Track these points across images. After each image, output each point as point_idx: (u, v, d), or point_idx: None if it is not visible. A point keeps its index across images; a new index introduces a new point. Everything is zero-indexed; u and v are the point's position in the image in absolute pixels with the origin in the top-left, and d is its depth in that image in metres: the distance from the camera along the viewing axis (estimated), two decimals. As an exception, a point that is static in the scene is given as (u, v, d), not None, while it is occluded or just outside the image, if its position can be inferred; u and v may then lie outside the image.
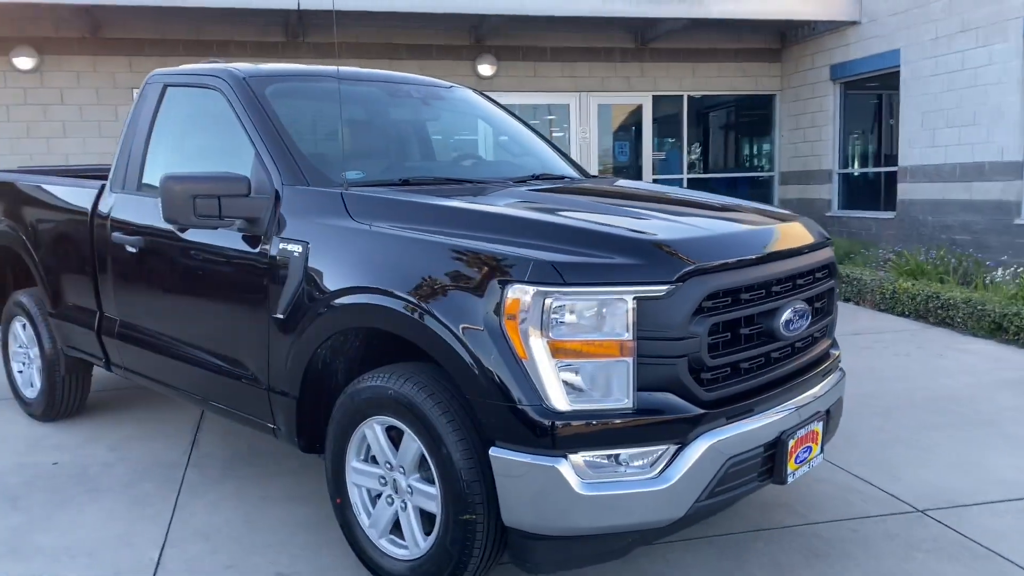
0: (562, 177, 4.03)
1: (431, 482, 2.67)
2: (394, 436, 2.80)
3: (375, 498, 2.93)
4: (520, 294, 2.39)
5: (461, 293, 2.50)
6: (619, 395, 2.42)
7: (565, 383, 2.40)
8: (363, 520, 2.93)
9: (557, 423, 2.38)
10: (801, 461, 2.84)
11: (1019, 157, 9.14)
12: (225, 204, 3.09)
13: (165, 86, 3.89)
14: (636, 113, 13.20)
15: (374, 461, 2.89)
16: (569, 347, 2.40)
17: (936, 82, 10.18)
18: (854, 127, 12.41)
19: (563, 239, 2.54)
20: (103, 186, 4.09)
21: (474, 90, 4.75)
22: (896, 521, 3.39)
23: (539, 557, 2.54)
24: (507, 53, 12.44)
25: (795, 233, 3.05)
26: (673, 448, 2.48)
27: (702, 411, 2.49)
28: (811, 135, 12.88)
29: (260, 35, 11.69)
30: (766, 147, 14.07)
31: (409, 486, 2.75)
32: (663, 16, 11.34)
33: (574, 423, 2.39)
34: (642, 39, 12.83)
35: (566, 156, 4.47)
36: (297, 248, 2.99)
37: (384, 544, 2.87)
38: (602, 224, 2.69)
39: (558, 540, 2.50)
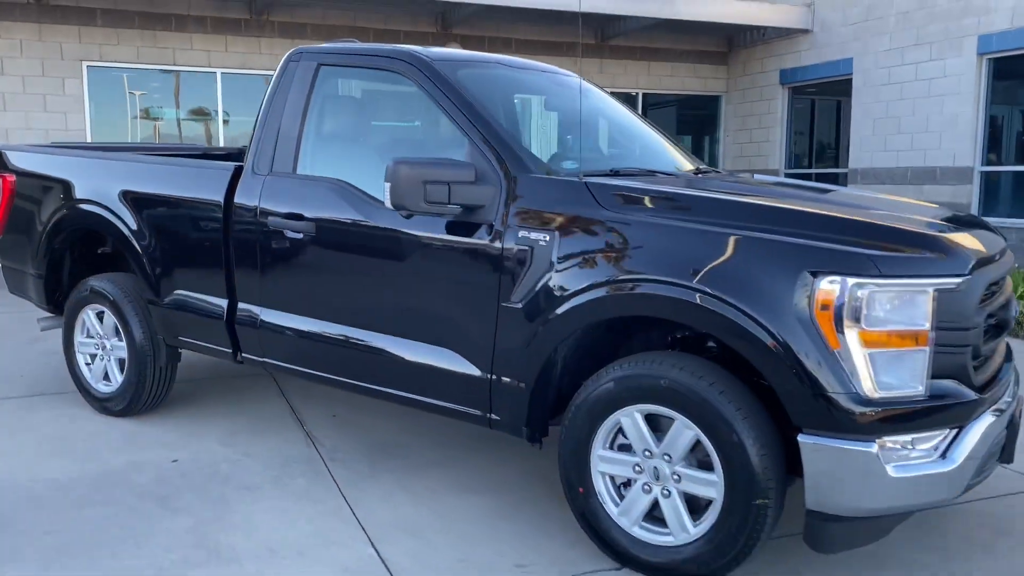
0: (706, 170, 4.13)
1: (706, 468, 2.73)
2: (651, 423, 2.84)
3: (621, 486, 2.95)
4: (835, 285, 2.48)
5: (764, 284, 2.57)
6: (916, 383, 2.56)
7: (872, 371, 2.52)
8: (610, 509, 2.94)
9: (868, 410, 2.50)
10: (1017, 441, 3.08)
11: (970, 163, 9.95)
12: (454, 191, 3.03)
13: (319, 65, 3.72)
14: (594, 108, 13.42)
15: (624, 449, 2.92)
16: (877, 337, 2.52)
17: (889, 90, 10.92)
18: (802, 129, 13.11)
19: (852, 233, 2.65)
20: (237, 169, 3.88)
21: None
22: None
23: (833, 538, 2.65)
24: (474, 43, 12.37)
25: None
26: (953, 432, 2.65)
27: (978, 396, 2.67)
28: (758, 136, 13.51)
29: (220, 10, 11.16)
30: (712, 146, 14.64)
31: (676, 473, 2.80)
32: (635, 14, 11.60)
33: (880, 409, 2.52)
34: (602, 35, 13.07)
35: (681, 148, 4.57)
36: (543, 236, 2.97)
37: (638, 532, 2.90)
38: (888, 219, 2.81)
39: (851, 521, 2.62)
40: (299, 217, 3.58)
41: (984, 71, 9.85)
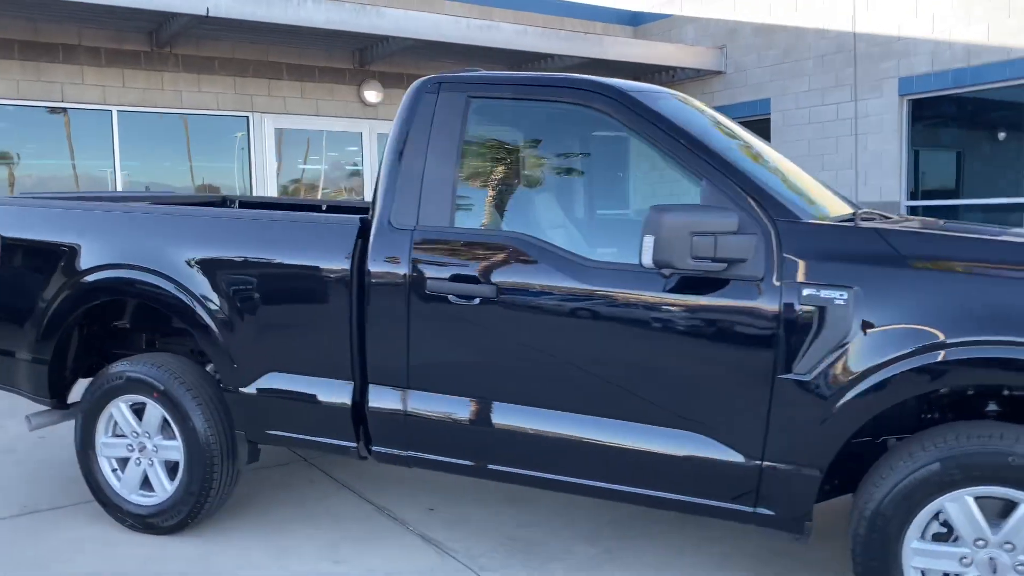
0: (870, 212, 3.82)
1: (1064, 558, 2.37)
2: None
3: (943, 582, 2.52)
4: None
5: None
6: None
7: None
8: (930, 614, 2.51)
9: None
10: None
11: (897, 198, 10.43)
12: (720, 243, 2.54)
13: (468, 97, 3.11)
14: (514, 148, 13.11)
15: (939, 539, 2.50)
16: None
17: (811, 129, 11.33)
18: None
19: None
20: (363, 222, 3.17)
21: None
22: None
23: None
24: (392, 80, 11.76)
25: None
26: None
27: None
28: (669, 175, 13.63)
29: (116, 40, 9.92)
30: (622, 183, 14.66)
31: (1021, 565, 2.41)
32: (568, 53, 11.42)
33: None
34: (519, 74, 12.81)
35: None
36: (838, 294, 2.52)
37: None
38: None
39: None
40: (473, 280, 2.93)
41: (905, 111, 10.39)
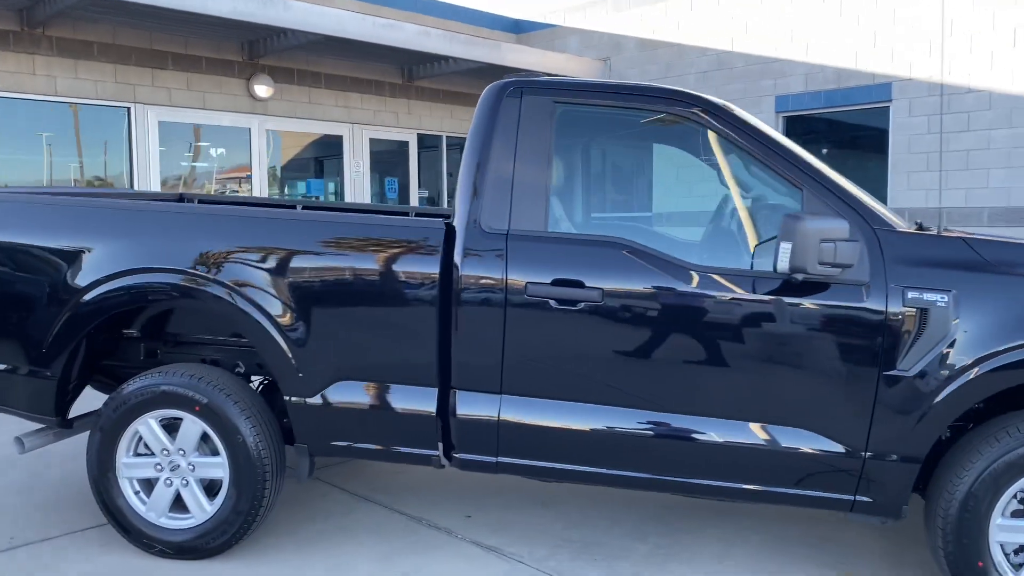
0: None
1: None
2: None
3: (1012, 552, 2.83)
4: None
5: None
6: None
7: None
8: (1010, 579, 2.81)
9: None
10: None
11: (774, 207, 11.28)
12: (839, 249, 2.72)
13: (555, 102, 3.12)
14: (404, 150, 12.96)
15: (1017, 515, 2.81)
16: None
17: (692, 141, 12.00)
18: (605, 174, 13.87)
19: None
20: (448, 226, 3.10)
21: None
22: None
23: None
24: (282, 75, 11.31)
25: None
26: None
27: None
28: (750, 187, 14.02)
29: (-21, 18, 8.91)
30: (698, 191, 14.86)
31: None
32: (465, 57, 11.45)
33: None
34: (409, 75, 12.70)
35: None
36: (939, 297, 2.76)
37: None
38: None
39: None
40: (577, 284, 2.95)
41: (781, 127, 11.25)
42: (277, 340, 3.15)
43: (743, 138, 3.00)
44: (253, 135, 11.10)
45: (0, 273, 3.36)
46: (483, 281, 3.02)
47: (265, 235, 3.18)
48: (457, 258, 3.05)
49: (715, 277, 2.90)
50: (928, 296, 2.77)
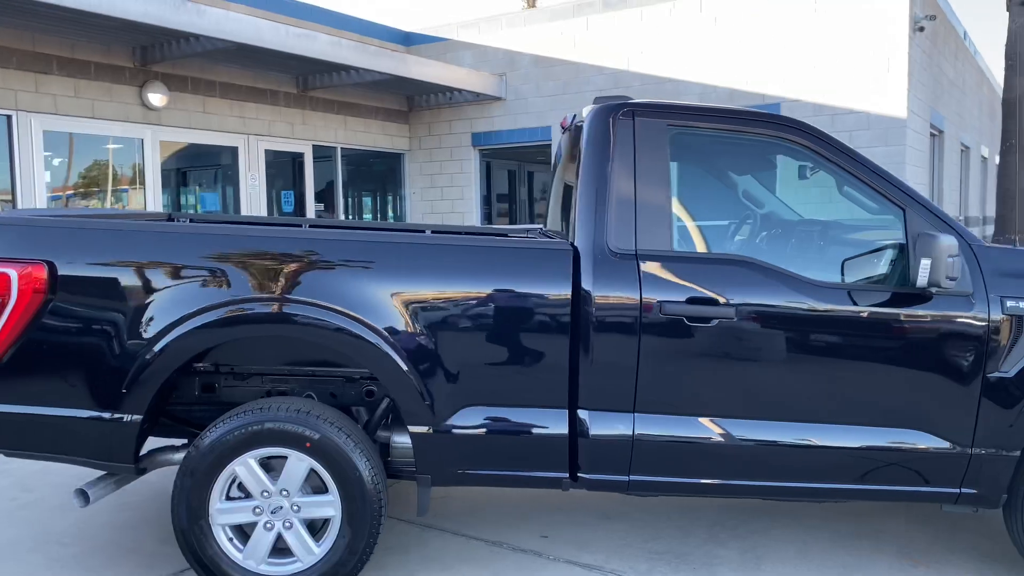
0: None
1: None
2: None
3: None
4: None
5: None
6: None
7: None
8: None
9: None
10: None
11: (673, 219, 11.84)
12: (955, 263, 2.98)
13: (668, 125, 3.20)
14: (299, 162, 12.50)
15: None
16: None
17: (591, 156, 12.38)
18: (500, 189, 13.98)
19: None
20: (573, 250, 3.10)
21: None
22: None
23: None
24: (177, 83, 10.62)
25: None
26: None
27: None
28: (451, 194, 14.00)
29: None
30: (399, 202, 14.67)
31: None
32: (370, 67, 11.22)
33: None
34: (304, 85, 12.29)
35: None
36: (1034, 306, 3.09)
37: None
38: None
39: None
40: (711, 302, 3.04)
41: (678, 143, 11.84)
42: (402, 368, 3.03)
43: (845, 161, 3.21)
44: (146, 145, 10.35)
45: (75, 311, 3.02)
46: (616, 301, 3.05)
47: (393, 261, 3.05)
48: (586, 280, 3.07)
49: (838, 292, 3.09)
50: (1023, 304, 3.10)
